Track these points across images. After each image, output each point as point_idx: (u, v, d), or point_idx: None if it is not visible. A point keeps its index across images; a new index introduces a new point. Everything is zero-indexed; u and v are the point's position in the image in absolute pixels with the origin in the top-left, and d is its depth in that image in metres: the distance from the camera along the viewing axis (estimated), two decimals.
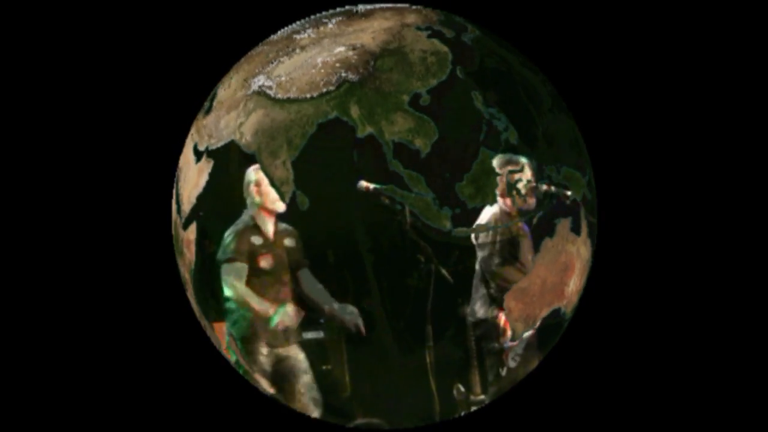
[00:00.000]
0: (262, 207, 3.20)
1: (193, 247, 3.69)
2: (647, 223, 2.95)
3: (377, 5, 3.66)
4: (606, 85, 2.96)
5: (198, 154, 3.52)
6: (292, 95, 3.36)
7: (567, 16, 3.03)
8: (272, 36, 3.71)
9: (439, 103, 3.21)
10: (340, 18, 3.65)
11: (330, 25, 3.59)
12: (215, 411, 3.21)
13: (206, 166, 3.50)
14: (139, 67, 3.36)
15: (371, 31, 3.39)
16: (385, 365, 3.26)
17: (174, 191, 3.86)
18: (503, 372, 3.42)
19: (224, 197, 3.73)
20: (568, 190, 3.22)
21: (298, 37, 3.62)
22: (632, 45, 2.98)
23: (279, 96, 3.37)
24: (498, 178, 3.33)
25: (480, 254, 3.47)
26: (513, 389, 3.37)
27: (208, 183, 3.43)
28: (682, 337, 2.93)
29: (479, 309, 3.54)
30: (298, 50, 3.45)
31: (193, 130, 3.71)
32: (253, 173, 3.26)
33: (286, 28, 3.72)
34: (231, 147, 3.33)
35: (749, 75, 3.01)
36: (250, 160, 3.34)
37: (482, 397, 3.52)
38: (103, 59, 3.29)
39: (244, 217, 3.27)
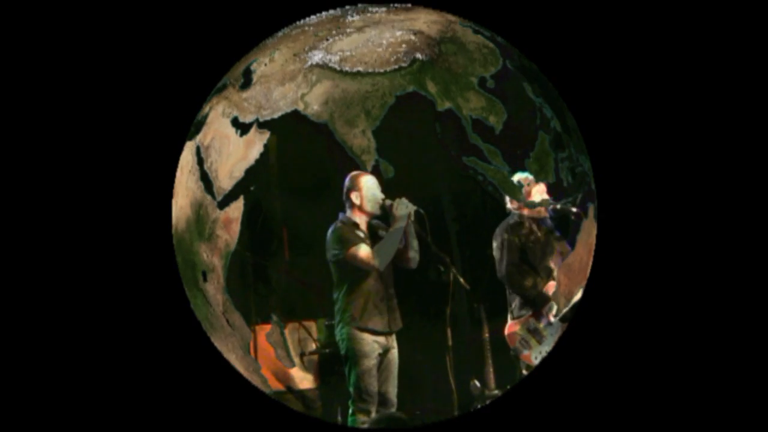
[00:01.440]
0: (359, 208, 3.30)
1: (236, 226, 3.38)
2: (647, 223, 3.00)
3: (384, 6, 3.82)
4: (606, 84, 3.02)
5: (242, 127, 3.38)
6: (362, 69, 3.43)
7: (567, 16, 3.04)
8: (305, 19, 3.62)
9: (502, 88, 3.41)
10: (383, 8, 3.72)
11: (377, 13, 3.63)
12: (215, 411, 3.13)
13: (259, 137, 3.41)
14: (138, 67, 3.30)
15: (423, 21, 3.51)
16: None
17: (187, 178, 3.55)
18: (524, 370, 3.63)
19: (293, 168, 3.48)
20: (574, 207, 3.52)
21: (346, 19, 3.58)
22: (632, 45, 3.00)
23: (347, 69, 3.42)
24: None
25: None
26: (517, 386, 3.51)
27: (263, 155, 3.37)
28: (682, 337, 2.94)
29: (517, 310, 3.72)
30: (352, 31, 3.43)
31: (220, 107, 3.47)
32: (349, 180, 3.36)
33: (319, 14, 3.68)
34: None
35: (749, 75, 2.99)
36: (320, 128, 3.42)
37: (496, 392, 3.78)
38: (103, 59, 3.22)
39: (342, 217, 3.36)
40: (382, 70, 3.41)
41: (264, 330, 4.06)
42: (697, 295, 2.94)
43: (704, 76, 3.02)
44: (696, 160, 2.98)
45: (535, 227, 3.65)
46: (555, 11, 3.08)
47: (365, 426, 3.14)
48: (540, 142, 3.43)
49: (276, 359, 4.15)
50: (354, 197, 3.33)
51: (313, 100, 3.44)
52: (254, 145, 3.37)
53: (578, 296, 3.49)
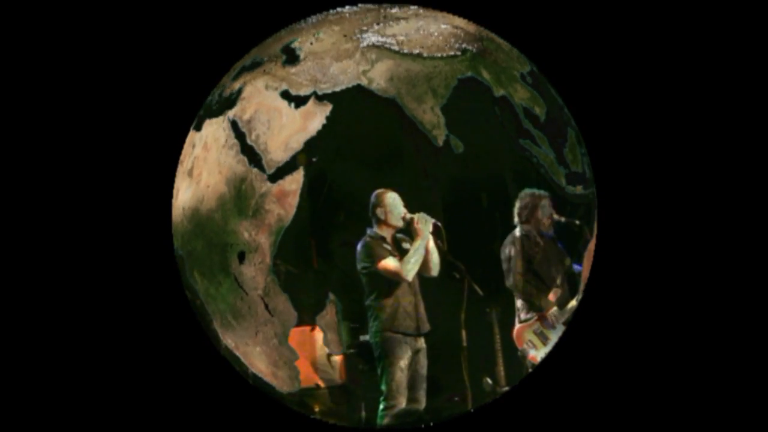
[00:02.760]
0: (385, 223, 3.46)
1: (292, 199, 3.19)
2: (647, 222, 3.05)
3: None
4: (606, 84, 3.07)
5: (296, 99, 3.38)
6: (422, 52, 3.45)
7: (567, 16, 3.09)
8: (339, 9, 3.67)
9: (536, 85, 3.52)
10: (414, 6, 3.82)
11: (412, 7, 3.71)
12: (215, 411, 3.16)
13: (320, 109, 3.35)
14: (136, 67, 3.31)
15: (459, 21, 3.55)
16: None
17: (219, 154, 3.40)
18: (529, 368, 3.85)
19: (358, 139, 3.37)
20: (577, 220, 3.75)
21: (388, 11, 3.63)
22: (632, 45, 3.04)
23: (405, 51, 3.44)
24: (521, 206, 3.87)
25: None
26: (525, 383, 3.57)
27: (326, 126, 3.33)
28: (682, 336, 2.98)
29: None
30: (400, 19, 3.47)
31: (260, 81, 3.45)
32: (375, 197, 3.51)
33: (353, 6, 3.72)
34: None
35: (749, 76, 2.99)
36: (388, 103, 3.42)
37: (507, 388, 4.06)
38: (101, 58, 3.26)
39: (370, 232, 3.52)
40: (439, 55, 3.44)
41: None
42: (697, 296, 2.96)
43: (704, 77, 3.05)
44: (696, 160, 3.02)
45: (539, 239, 3.86)
46: (555, 11, 3.11)
47: (385, 422, 3.31)
48: (569, 135, 3.58)
49: (313, 349, 3.96)
50: (380, 213, 3.49)
51: (378, 76, 3.46)
52: (314, 116, 3.35)
53: (576, 302, 3.77)
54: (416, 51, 3.52)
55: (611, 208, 3.10)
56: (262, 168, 3.39)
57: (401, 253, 3.46)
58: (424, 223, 3.42)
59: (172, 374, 3.07)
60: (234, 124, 3.48)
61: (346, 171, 3.79)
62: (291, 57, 3.48)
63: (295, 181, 3.39)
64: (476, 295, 3.47)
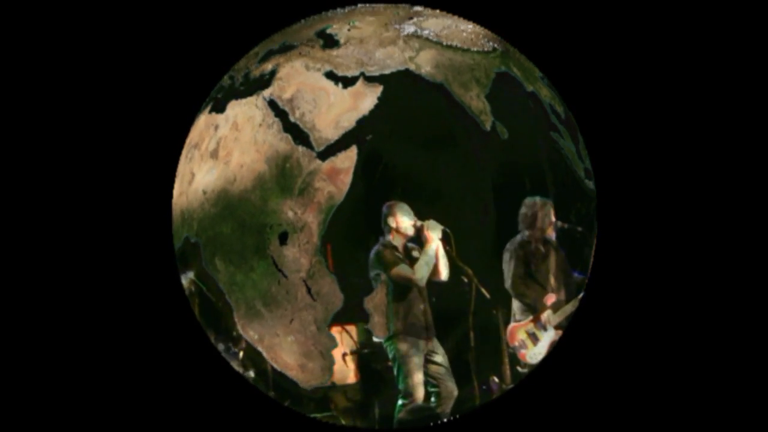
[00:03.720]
0: (396, 231, 3.55)
1: (345, 176, 3.09)
2: (646, 223, 3.00)
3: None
4: (605, 84, 3.03)
5: (343, 80, 3.43)
6: (461, 45, 3.53)
7: (567, 16, 3.07)
8: (370, 5, 3.72)
9: (551, 86, 3.65)
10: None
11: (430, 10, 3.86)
12: (215, 411, 3.11)
13: (371, 90, 3.37)
14: (135, 66, 3.30)
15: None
16: None
17: (255, 133, 3.31)
18: (523, 368, 4.00)
19: (409, 120, 3.29)
20: (579, 226, 3.90)
21: (415, 9, 3.74)
22: (632, 45, 2.99)
23: (446, 42, 3.51)
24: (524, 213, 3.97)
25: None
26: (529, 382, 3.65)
27: (378, 106, 3.39)
28: (682, 336, 2.93)
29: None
30: (429, 16, 3.53)
31: (298, 62, 3.46)
32: (387, 208, 3.58)
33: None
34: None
35: (749, 77, 2.91)
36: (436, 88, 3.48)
37: (512, 385, 4.10)
38: (100, 58, 3.23)
39: (382, 241, 3.59)
40: (475, 49, 3.54)
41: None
42: (697, 296, 2.95)
43: (704, 78, 3.01)
44: (696, 162, 2.99)
45: (540, 245, 3.97)
46: (555, 11, 3.10)
47: (401, 416, 3.40)
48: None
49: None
50: (391, 222, 3.57)
51: (424, 63, 3.53)
52: (364, 96, 3.43)
53: (572, 307, 3.93)
54: (454, 44, 3.71)
55: (611, 209, 3.08)
56: (309, 145, 3.44)
57: (411, 261, 3.55)
58: (434, 230, 3.50)
59: (172, 374, 2.99)
60: (272, 103, 3.53)
61: (400, 150, 3.81)
62: (329, 41, 3.55)
63: (348, 159, 3.45)
64: (483, 298, 3.57)
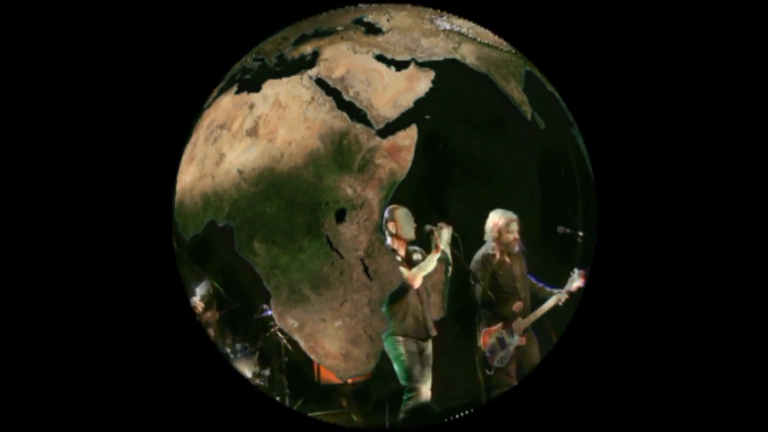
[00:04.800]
0: (397, 236, 3.69)
1: (406, 154, 2.96)
2: (646, 224, 3.07)
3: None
4: (605, 84, 3.14)
5: (393, 63, 3.53)
6: (492, 43, 3.82)
7: (567, 16, 3.17)
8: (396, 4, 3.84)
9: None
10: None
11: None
12: (216, 411, 3.13)
13: (424, 74, 3.43)
14: (135, 66, 3.24)
15: None
16: None
17: (305, 110, 3.26)
18: (491, 372, 4.15)
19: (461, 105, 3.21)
20: (580, 231, 4.09)
21: (430, 13, 3.91)
22: (632, 45, 3.06)
23: (479, 39, 3.78)
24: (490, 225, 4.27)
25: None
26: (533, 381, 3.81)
27: (432, 90, 3.44)
28: (682, 336, 3.01)
29: None
30: (453, 17, 3.86)
31: (343, 45, 3.54)
32: (388, 212, 3.70)
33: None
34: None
35: (749, 78, 2.94)
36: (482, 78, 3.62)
37: (516, 382, 4.24)
38: (100, 57, 3.25)
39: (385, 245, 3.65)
40: (504, 49, 3.81)
41: None
42: (696, 297, 2.96)
43: (704, 79, 3.04)
44: (697, 163, 3.01)
45: (506, 257, 4.22)
46: (555, 12, 3.19)
47: (408, 406, 3.47)
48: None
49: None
50: (391, 227, 3.74)
51: (468, 54, 3.72)
52: (419, 79, 3.49)
53: (539, 314, 4.23)
54: (486, 41, 3.91)
55: (611, 209, 3.15)
56: (368, 123, 3.44)
57: (412, 265, 3.70)
58: (446, 236, 3.67)
59: (172, 374, 2.98)
60: (320, 82, 3.55)
61: (457, 132, 3.83)
62: (371, 28, 3.71)
63: (408, 137, 3.43)
64: (489, 299, 3.79)
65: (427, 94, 3.51)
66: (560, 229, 4.15)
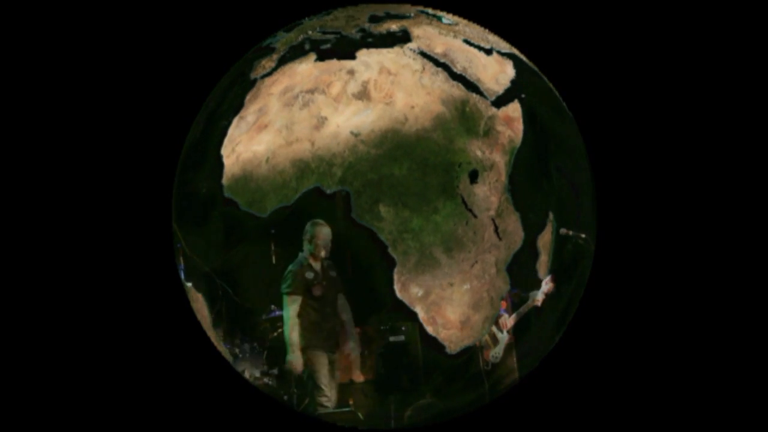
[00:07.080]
0: (313, 254, 3.79)
1: (518, 124, 2.94)
2: (646, 225, 3.15)
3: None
4: (605, 84, 3.26)
5: (479, 48, 3.60)
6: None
7: (567, 16, 3.33)
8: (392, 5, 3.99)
9: None
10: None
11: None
12: (215, 411, 3.22)
13: (507, 61, 3.56)
14: (134, 67, 3.39)
15: None
16: None
17: (419, 78, 3.39)
18: (488, 368, 4.20)
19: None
20: (582, 233, 4.00)
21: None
22: (633, 46, 3.19)
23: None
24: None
25: None
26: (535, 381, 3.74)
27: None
28: (682, 336, 3.10)
29: None
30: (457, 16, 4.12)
31: (430, 28, 3.64)
32: (311, 227, 3.76)
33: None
34: None
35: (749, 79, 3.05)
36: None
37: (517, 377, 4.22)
38: (99, 57, 3.32)
39: (300, 258, 3.80)
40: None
41: None
42: (696, 297, 3.04)
43: (704, 80, 3.15)
44: (695, 160, 3.11)
45: None
46: (555, 12, 3.37)
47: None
48: None
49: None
50: (312, 244, 3.76)
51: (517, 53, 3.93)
52: (507, 65, 3.60)
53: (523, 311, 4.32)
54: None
55: (611, 210, 3.29)
56: (482, 94, 3.46)
57: (328, 281, 3.73)
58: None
59: (172, 375, 3.04)
60: (425, 55, 3.51)
61: (546, 113, 3.70)
62: (437, 21, 3.82)
63: (515, 110, 3.48)
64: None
65: (518, 75, 3.64)
66: (563, 231, 4.10)
